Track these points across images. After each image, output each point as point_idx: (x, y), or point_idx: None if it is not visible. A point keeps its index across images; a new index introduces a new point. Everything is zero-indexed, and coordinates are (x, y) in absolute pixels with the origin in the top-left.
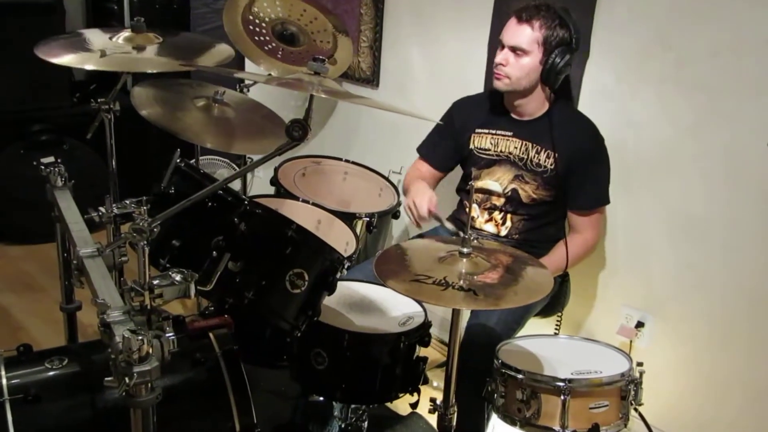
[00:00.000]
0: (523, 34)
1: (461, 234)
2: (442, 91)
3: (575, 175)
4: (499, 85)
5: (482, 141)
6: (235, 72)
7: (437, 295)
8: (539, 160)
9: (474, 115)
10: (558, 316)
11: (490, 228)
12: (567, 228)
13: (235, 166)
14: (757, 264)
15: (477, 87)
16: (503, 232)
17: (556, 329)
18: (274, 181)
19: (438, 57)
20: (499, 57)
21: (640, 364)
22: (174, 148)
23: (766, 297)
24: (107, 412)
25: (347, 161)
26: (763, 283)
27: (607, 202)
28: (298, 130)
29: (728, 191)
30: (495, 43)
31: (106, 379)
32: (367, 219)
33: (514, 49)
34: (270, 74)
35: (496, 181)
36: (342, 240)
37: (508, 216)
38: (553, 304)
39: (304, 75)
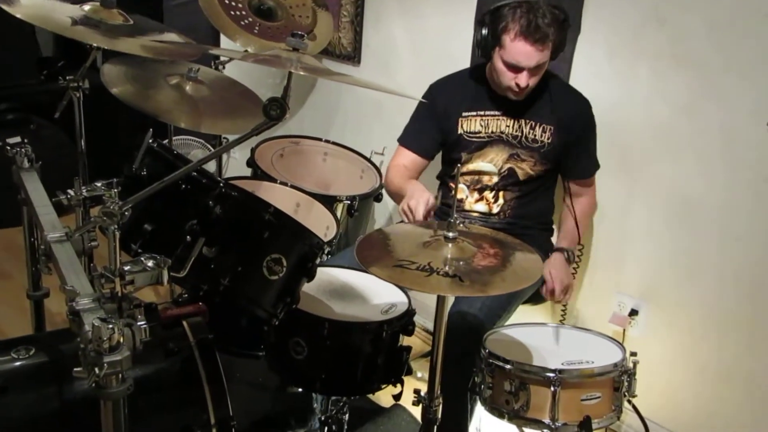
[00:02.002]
0: (544, 54)
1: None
2: (426, 68)
3: (575, 145)
4: (519, 97)
5: (471, 124)
6: (210, 48)
7: (421, 282)
8: (535, 135)
9: (457, 97)
10: (563, 305)
11: (480, 207)
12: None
13: (209, 146)
14: (756, 249)
15: (463, 63)
16: (495, 209)
17: (561, 318)
18: (251, 163)
19: (422, 32)
20: (522, 80)
21: (633, 354)
22: (146, 128)
23: (765, 283)
24: (76, 404)
25: (327, 141)
26: (762, 269)
27: (599, 165)
28: (276, 109)
29: (726, 173)
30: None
31: (75, 369)
32: (348, 202)
33: (534, 67)
34: (246, 50)
35: (490, 162)
36: (322, 224)
37: (501, 193)
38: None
39: (282, 51)
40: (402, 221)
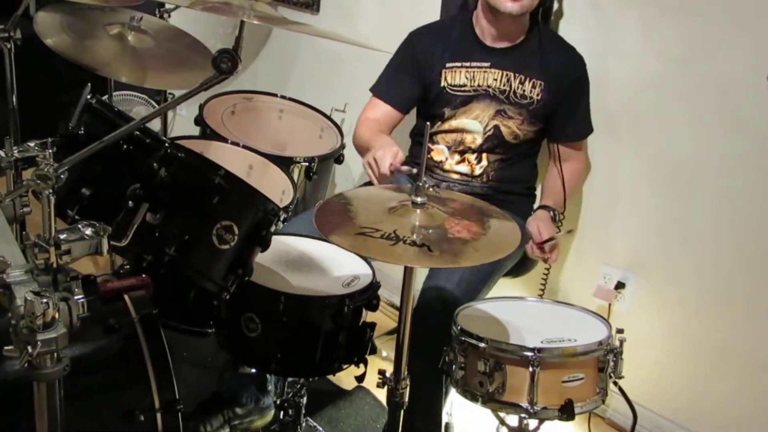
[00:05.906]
0: None
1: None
2: (391, 16)
3: (567, 105)
4: (514, 8)
5: (456, 76)
6: None
7: (386, 251)
8: (524, 90)
9: (439, 46)
10: (543, 276)
11: (462, 168)
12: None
13: (154, 103)
14: (754, 217)
15: (432, 11)
16: (477, 171)
17: (540, 292)
18: (199, 121)
19: None
20: None
21: (620, 331)
22: (84, 83)
23: (764, 254)
24: (7, 386)
25: (283, 97)
26: (760, 238)
27: (592, 129)
28: (227, 62)
29: (722, 133)
30: None
31: (6, 348)
32: (306, 164)
33: None
34: None
35: (475, 119)
36: (277, 188)
37: (484, 155)
38: (525, 262)
39: None
40: (368, 182)
